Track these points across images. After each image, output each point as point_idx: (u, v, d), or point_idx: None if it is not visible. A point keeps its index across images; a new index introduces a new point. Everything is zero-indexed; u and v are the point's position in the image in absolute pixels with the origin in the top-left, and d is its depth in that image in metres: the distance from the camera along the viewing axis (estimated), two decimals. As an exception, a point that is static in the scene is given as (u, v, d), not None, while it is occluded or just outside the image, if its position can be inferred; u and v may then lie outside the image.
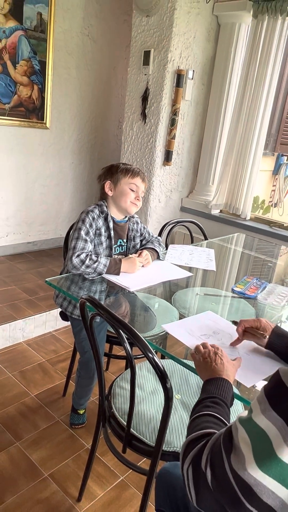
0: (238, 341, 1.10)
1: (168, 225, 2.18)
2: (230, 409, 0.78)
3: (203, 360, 0.97)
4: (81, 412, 1.81)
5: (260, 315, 1.45)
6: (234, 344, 1.11)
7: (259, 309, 1.53)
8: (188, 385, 1.39)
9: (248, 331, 1.07)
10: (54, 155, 3.46)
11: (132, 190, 1.63)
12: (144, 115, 2.91)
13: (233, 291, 1.61)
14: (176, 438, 1.17)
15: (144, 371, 1.45)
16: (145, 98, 2.88)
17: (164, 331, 1.23)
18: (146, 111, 2.90)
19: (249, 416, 0.57)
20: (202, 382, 0.92)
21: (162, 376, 0.98)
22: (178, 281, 1.74)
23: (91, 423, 1.82)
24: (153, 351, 0.98)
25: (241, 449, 0.56)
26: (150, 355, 0.96)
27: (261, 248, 2.48)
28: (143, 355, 1.82)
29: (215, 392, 0.84)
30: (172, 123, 2.87)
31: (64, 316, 1.72)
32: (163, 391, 1.00)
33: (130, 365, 1.06)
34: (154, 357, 0.97)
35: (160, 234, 2.13)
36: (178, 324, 1.24)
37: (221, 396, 0.82)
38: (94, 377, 1.65)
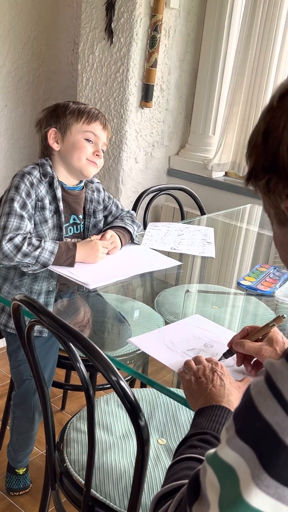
0: (241, 360, 1.13)
1: (147, 195, 2.20)
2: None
3: (196, 381, 0.99)
4: (21, 471, 1.83)
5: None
6: (240, 362, 1.13)
7: (282, 312, 1.56)
8: (176, 425, 1.42)
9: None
10: (-23, 94, 3.41)
11: (89, 141, 1.63)
12: (109, 32, 2.90)
13: (239, 285, 1.64)
14: (159, 499, 1.20)
15: (112, 405, 1.47)
16: (110, 6, 2.86)
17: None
18: (112, 26, 2.89)
19: (215, 451, 0.60)
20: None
21: (132, 409, 1.00)
22: (163, 275, 1.76)
23: (38, 485, 1.84)
24: (118, 374, 1.00)
25: (207, 497, 0.59)
26: (114, 378, 0.98)
27: None
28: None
29: (207, 426, 0.86)
30: (152, 43, 2.86)
31: (-6, 330, 1.72)
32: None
33: (86, 394, 1.07)
34: (120, 381, 0.98)
35: (135, 208, 2.14)
36: (152, 335, 1.26)
37: (216, 431, 0.84)
38: (35, 419, 1.67)
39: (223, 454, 0.58)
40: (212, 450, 0.62)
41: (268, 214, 0.67)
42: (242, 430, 0.57)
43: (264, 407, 0.54)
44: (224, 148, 3.06)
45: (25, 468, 1.83)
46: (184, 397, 1.03)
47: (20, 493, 1.82)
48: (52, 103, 3.65)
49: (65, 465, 1.29)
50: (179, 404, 1.48)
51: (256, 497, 0.53)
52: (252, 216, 2.65)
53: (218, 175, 3.17)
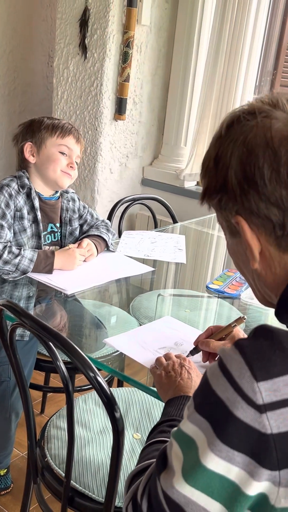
0: (206, 356, 1.22)
1: (121, 204, 2.28)
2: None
3: (166, 375, 1.08)
4: (2, 472, 1.88)
5: (248, 323, 1.58)
6: (206, 359, 1.23)
7: (249, 314, 1.65)
8: (151, 421, 1.51)
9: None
10: None
11: (63, 154, 1.72)
12: (83, 48, 2.99)
13: (207, 289, 1.73)
14: (135, 489, 1.28)
15: (90, 404, 1.55)
16: (84, 23, 2.96)
17: (118, 351, 1.33)
18: (86, 42, 2.98)
19: (179, 426, 0.70)
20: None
21: (108, 402, 1.09)
22: (138, 281, 1.84)
23: (20, 486, 1.90)
24: (95, 370, 1.08)
25: (172, 466, 0.68)
26: (91, 374, 1.06)
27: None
28: (88, 385, 1.92)
29: (175, 413, 0.95)
30: (125, 58, 2.96)
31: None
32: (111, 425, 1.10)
33: (65, 389, 1.15)
34: (97, 377, 1.07)
35: (110, 217, 2.23)
36: (126, 336, 1.35)
37: (182, 417, 0.93)
38: (11, 419, 1.73)
39: (184, 428, 0.68)
40: (176, 427, 0.71)
41: (221, 226, 0.77)
42: (200, 405, 0.66)
43: (216, 385, 0.64)
44: (196, 159, 3.17)
45: (6, 469, 1.89)
46: (153, 389, 1.12)
47: (1, 493, 1.88)
48: (27, 115, 3.72)
49: (46, 459, 1.36)
50: (152, 401, 1.57)
51: (212, 461, 0.63)
52: (223, 224, 2.75)
53: (190, 184, 3.27)
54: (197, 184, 3.31)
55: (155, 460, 0.80)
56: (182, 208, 2.99)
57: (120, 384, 2.07)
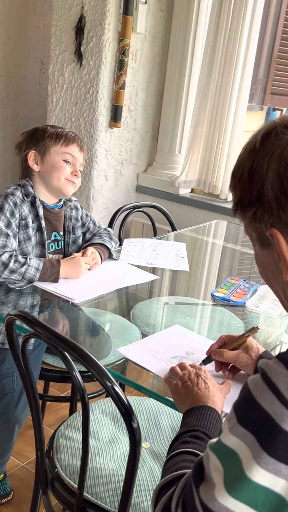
0: (219, 366, 1.23)
1: (122, 212, 2.29)
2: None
3: (182, 385, 1.09)
4: (-1, 477, 1.88)
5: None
6: (219, 368, 1.24)
7: (251, 320, 1.67)
8: (159, 430, 1.51)
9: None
10: None
11: (67, 162, 1.73)
12: (79, 55, 3.00)
13: (213, 297, 1.74)
14: (146, 498, 1.28)
15: (98, 413, 1.54)
16: (79, 30, 2.97)
17: (123, 358, 1.33)
18: (82, 49, 2.99)
19: (219, 439, 0.70)
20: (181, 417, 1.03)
21: (126, 412, 1.08)
22: (139, 289, 1.85)
23: (22, 496, 1.89)
24: (113, 379, 1.08)
25: (212, 478, 0.69)
26: (109, 383, 1.06)
27: (249, 240, 2.65)
28: (96, 393, 1.91)
29: (196, 424, 0.96)
30: (120, 66, 2.97)
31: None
32: (128, 435, 1.10)
33: (80, 396, 1.15)
34: (115, 386, 1.07)
35: (110, 225, 2.23)
36: (138, 345, 1.36)
37: (204, 428, 0.94)
38: (15, 429, 1.73)
39: (226, 440, 0.68)
40: (214, 440, 0.71)
41: (249, 237, 0.78)
42: (243, 419, 0.67)
43: (262, 398, 0.65)
44: (190, 166, 3.19)
45: (2, 475, 1.88)
46: (168, 399, 1.13)
47: (2, 501, 1.86)
48: (20, 121, 3.71)
49: (56, 470, 1.35)
50: (160, 410, 1.58)
51: (257, 473, 0.63)
52: (218, 231, 2.77)
53: (184, 191, 3.29)
54: (192, 191, 3.33)
55: (183, 471, 0.80)
56: (176, 215, 3.00)
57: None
